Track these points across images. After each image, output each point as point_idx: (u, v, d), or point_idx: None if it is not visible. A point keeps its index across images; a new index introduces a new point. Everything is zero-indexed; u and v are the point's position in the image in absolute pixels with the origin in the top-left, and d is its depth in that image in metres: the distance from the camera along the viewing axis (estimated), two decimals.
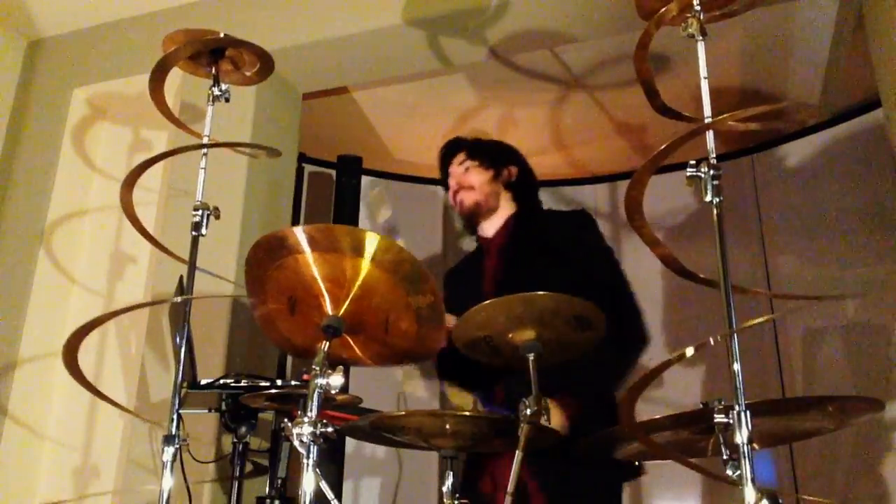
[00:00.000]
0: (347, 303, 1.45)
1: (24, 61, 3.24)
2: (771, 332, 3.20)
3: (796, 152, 3.36)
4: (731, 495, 1.15)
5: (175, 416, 1.60)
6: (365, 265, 1.42)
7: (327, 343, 1.43)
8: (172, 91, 2.76)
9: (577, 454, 1.63)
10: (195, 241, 1.77)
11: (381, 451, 3.36)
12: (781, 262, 3.30)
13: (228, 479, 2.06)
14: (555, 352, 1.56)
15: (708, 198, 1.28)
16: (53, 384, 2.86)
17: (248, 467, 2.17)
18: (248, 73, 1.94)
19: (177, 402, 1.62)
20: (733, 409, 1.15)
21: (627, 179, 4.06)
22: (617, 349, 1.90)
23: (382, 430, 1.66)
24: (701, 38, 1.38)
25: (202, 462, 2.25)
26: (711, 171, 1.28)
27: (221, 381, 2.03)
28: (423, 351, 1.56)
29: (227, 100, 1.88)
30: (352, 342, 1.56)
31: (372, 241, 1.41)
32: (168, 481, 1.55)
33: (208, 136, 1.87)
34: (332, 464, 2.96)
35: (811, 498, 2.82)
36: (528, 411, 1.43)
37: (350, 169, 3.46)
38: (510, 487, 1.43)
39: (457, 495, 1.59)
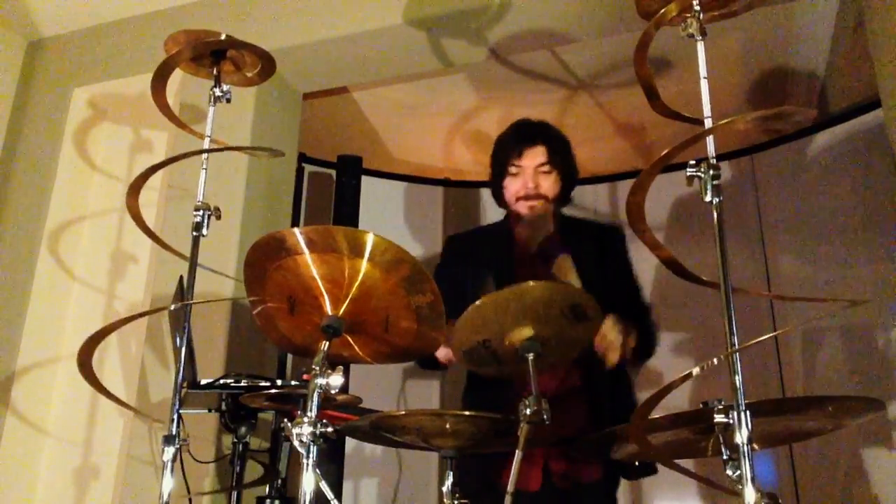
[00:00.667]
0: (347, 303, 1.46)
1: (24, 61, 3.24)
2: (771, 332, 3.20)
3: (796, 152, 3.36)
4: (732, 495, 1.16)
5: (175, 416, 1.60)
6: (364, 265, 1.42)
7: (327, 343, 1.43)
8: (172, 91, 2.76)
9: (578, 453, 1.63)
10: (196, 242, 1.78)
11: (381, 451, 3.36)
12: (781, 263, 3.30)
13: (230, 483, 2.06)
14: (554, 350, 1.56)
15: (708, 198, 1.28)
16: (54, 383, 2.87)
17: (257, 470, 2.16)
18: (249, 74, 1.95)
19: (177, 402, 1.62)
20: (733, 409, 1.15)
21: (628, 179, 4.08)
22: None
23: (382, 430, 1.66)
24: (701, 38, 1.38)
25: (202, 462, 2.25)
26: (711, 172, 1.28)
27: (221, 381, 2.03)
28: (423, 349, 1.56)
29: (228, 100, 1.88)
30: (351, 341, 1.56)
31: (370, 242, 1.41)
32: (168, 481, 1.55)
33: (210, 137, 1.87)
34: (332, 464, 2.96)
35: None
36: (528, 411, 1.43)
37: (350, 169, 3.46)
38: (510, 487, 1.43)
39: (457, 495, 1.59)
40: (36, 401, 2.82)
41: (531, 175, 2.04)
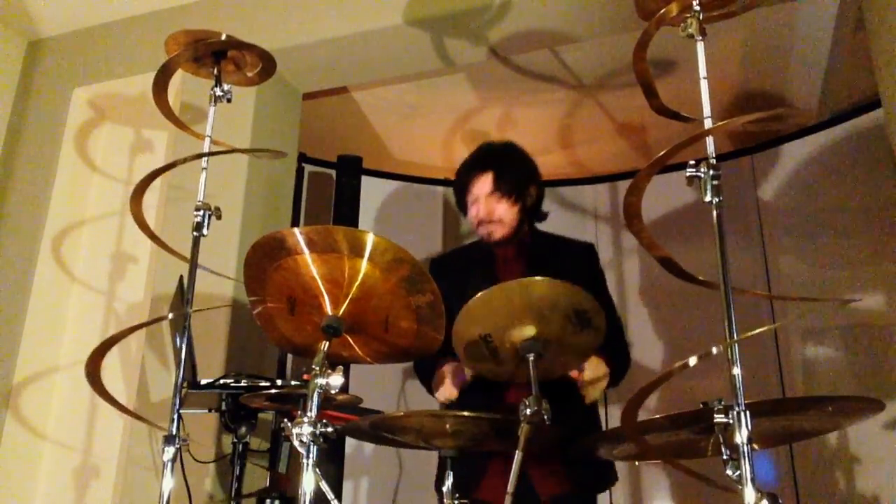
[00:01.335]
0: (347, 303, 1.46)
1: (24, 61, 3.25)
2: (771, 332, 3.20)
3: (796, 152, 3.37)
4: (731, 495, 1.15)
5: (175, 416, 1.60)
6: (364, 265, 1.42)
7: (327, 343, 1.43)
8: (173, 91, 2.75)
9: (573, 454, 1.63)
10: (196, 242, 1.78)
11: (381, 451, 3.36)
12: (781, 262, 3.30)
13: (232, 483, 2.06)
14: (555, 353, 1.56)
15: (708, 198, 1.28)
16: (54, 384, 2.87)
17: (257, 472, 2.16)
18: (249, 74, 1.95)
19: (177, 402, 1.62)
20: (733, 409, 1.15)
21: (628, 179, 4.08)
22: None
23: (382, 430, 1.66)
24: (700, 38, 1.38)
25: (202, 462, 2.25)
26: (711, 172, 1.28)
27: (221, 381, 2.03)
28: (423, 348, 1.56)
29: (229, 100, 1.88)
30: (351, 341, 1.57)
31: (370, 242, 1.41)
32: (168, 481, 1.55)
33: (210, 137, 1.87)
34: (332, 464, 2.96)
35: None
36: (528, 411, 1.43)
37: (350, 169, 3.47)
38: (510, 487, 1.43)
39: (457, 495, 1.59)
40: (36, 402, 2.82)
41: (483, 202, 2.07)
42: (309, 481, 1.31)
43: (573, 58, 3.26)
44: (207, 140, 1.87)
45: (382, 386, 3.35)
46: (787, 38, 3.12)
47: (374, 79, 3.24)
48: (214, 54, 1.87)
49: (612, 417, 3.22)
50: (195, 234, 1.77)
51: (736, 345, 1.18)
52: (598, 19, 2.65)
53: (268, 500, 2.11)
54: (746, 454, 1.12)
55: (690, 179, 1.30)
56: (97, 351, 1.59)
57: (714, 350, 1.15)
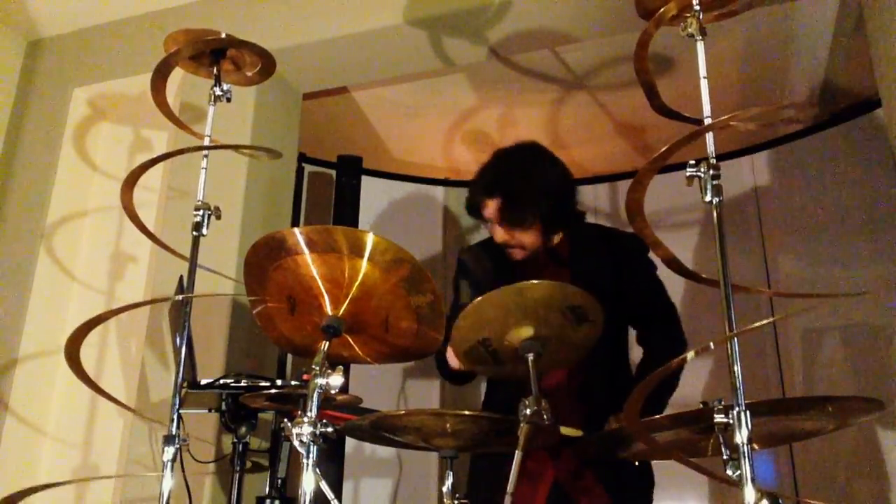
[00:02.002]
0: (347, 303, 1.46)
1: (24, 61, 3.24)
2: (771, 332, 3.20)
3: (796, 152, 3.36)
4: (735, 495, 1.15)
5: (175, 416, 1.60)
6: (364, 265, 1.42)
7: (327, 343, 1.43)
8: (173, 91, 2.76)
9: (585, 455, 1.63)
10: (196, 241, 1.77)
11: (381, 451, 3.36)
12: (781, 262, 3.30)
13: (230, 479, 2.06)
14: (554, 351, 1.56)
15: (708, 198, 1.27)
16: (54, 383, 2.86)
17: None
18: (249, 74, 1.94)
19: (177, 402, 1.62)
20: (733, 409, 1.15)
21: (628, 179, 4.09)
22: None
23: (382, 430, 1.65)
24: (700, 37, 1.38)
25: (202, 462, 2.25)
26: (711, 171, 1.28)
27: (221, 381, 2.03)
28: (423, 349, 1.56)
29: (228, 100, 1.88)
30: (351, 341, 1.56)
31: (370, 242, 1.41)
32: (168, 481, 1.55)
33: (209, 137, 1.87)
34: (332, 464, 2.96)
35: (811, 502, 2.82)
36: (528, 411, 1.43)
37: (350, 169, 3.47)
38: (510, 488, 1.43)
39: (457, 495, 1.59)
40: (36, 401, 2.81)
41: (498, 229, 1.98)
42: (309, 481, 1.31)
43: (573, 58, 3.26)
44: (206, 139, 1.86)
45: (382, 386, 3.35)
46: (787, 38, 3.12)
47: (374, 79, 3.24)
48: (214, 53, 1.86)
49: None
50: (195, 233, 1.77)
51: (736, 343, 1.18)
52: (598, 19, 2.65)
53: (268, 501, 2.11)
54: (746, 454, 1.12)
55: (690, 179, 1.30)
56: (79, 330, 1.56)
57: (711, 344, 1.15)
